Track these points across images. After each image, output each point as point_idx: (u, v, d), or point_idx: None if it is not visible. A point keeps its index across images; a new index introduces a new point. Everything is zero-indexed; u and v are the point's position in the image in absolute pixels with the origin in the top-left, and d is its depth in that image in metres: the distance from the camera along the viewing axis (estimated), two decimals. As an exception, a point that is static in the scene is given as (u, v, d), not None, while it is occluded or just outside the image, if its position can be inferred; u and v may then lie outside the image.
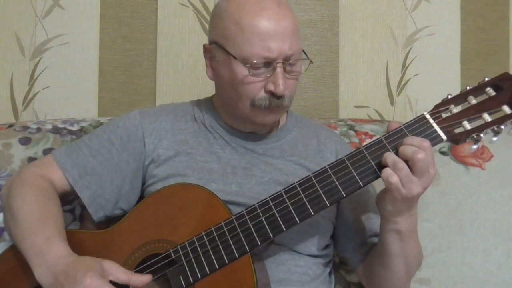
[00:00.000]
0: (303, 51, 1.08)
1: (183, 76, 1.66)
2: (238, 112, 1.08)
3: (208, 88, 1.64)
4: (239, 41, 1.01)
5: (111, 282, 0.88)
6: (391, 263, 1.04)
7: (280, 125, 1.18)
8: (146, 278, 0.91)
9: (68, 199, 1.19)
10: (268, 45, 0.99)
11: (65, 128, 1.38)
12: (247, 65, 1.00)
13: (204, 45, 1.12)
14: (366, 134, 1.44)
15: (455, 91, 0.98)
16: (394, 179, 0.90)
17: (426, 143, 0.90)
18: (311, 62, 1.07)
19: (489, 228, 1.35)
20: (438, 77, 1.72)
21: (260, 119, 1.07)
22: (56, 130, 1.37)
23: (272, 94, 1.02)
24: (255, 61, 1.00)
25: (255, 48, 0.99)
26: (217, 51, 1.07)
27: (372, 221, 1.13)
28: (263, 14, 1.00)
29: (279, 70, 1.01)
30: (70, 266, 0.90)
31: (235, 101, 1.07)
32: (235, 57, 1.02)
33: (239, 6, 1.02)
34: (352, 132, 1.44)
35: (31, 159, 1.30)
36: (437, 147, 1.41)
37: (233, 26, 1.02)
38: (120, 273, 0.90)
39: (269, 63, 1.01)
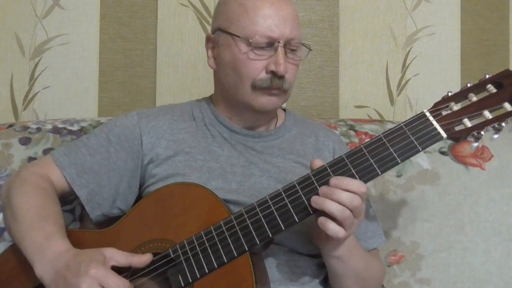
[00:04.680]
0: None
1: (183, 76, 1.66)
2: (239, 97, 1.10)
3: (208, 88, 1.64)
4: (243, 21, 1.06)
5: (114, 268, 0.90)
6: (342, 283, 1.07)
7: (278, 123, 1.19)
8: (147, 257, 0.93)
9: (68, 199, 1.19)
10: (270, 26, 1.05)
11: (65, 128, 1.38)
12: (250, 42, 1.05)
13: (206, 36, 1.16)
14: (366, 134, 1.44)
15: (455, 91, 0.97)
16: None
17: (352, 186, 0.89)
18: (310, 50, 1.12)
19: (489, 228, 1.35)
20: (438, 77, 1.72)
21: (259, 103, 1.08)
22: (56, 130, 1.37)
23: (274, 75, 1.05)
24: (258, 38, 1.04)
25: (258, 27, 1.05)
26: (221, 36, 1.11)
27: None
28: (266, 0, 1.06)
29: (280, 50, 1.05)
30: (71, 260, 0.90)
31: (236, 84, 1.09)
32: (238, 36, 1.06)
33: None
34: (352, 132, 1.44)
35: (31, 159, 1.30)
36: (437, 147, 1.41)
37: (238, 8, 1.08)
38: (121, 257, 0.92)
39: (271, 44, 1.06)
